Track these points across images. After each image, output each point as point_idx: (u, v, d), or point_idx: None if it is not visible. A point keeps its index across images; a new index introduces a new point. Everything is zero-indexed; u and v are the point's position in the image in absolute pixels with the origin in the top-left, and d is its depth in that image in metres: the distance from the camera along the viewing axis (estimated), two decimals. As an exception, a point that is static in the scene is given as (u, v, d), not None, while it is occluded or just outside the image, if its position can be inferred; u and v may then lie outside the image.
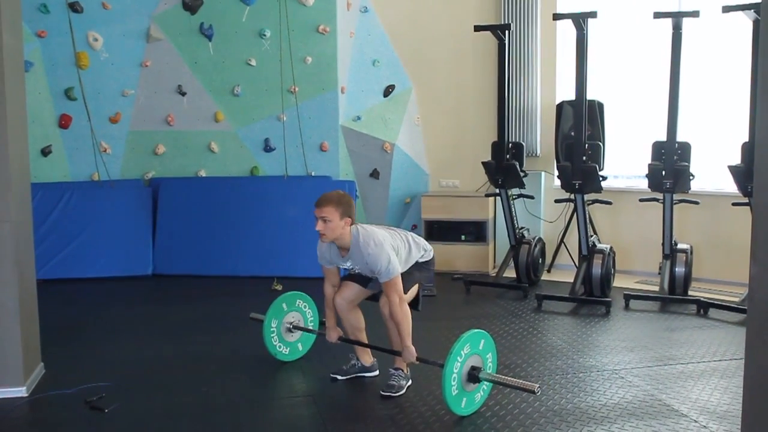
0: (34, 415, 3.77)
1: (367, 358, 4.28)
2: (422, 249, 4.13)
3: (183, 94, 7.30)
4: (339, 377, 4.21)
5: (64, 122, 7.14)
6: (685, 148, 5.92)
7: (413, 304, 4.09)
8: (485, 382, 3.74)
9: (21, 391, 3.94)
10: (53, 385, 4.10)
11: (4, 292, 3.89)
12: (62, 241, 6.94)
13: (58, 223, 6.97)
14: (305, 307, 4.64)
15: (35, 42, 6.94)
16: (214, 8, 7.18)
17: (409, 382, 4.05)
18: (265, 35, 7.15)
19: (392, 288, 3.83)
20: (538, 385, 3.55)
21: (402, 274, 3.91)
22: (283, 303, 4.54)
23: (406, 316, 3.87)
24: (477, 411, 3.71)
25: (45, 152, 7.11)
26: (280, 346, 4.52)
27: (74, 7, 6.97)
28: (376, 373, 4.29)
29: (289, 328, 4.55)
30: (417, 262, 4.10)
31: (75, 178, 7.26)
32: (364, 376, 4.26)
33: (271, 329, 4.49)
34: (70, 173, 7.25)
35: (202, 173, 7.42)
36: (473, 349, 3.67)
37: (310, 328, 4.62)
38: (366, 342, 4.24)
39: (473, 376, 3.64)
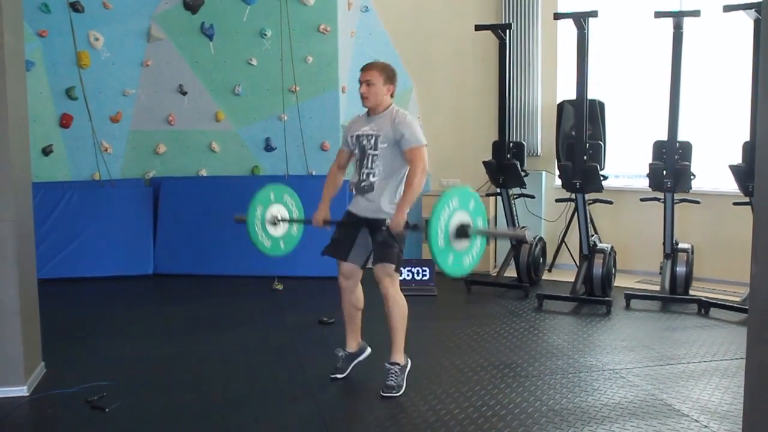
0: (35, 414, 3.77)
1: (353, 344, 4.26)
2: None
3: (184, 93, 7.30)
4: (339, 376, 4.21)
5: (65, 122, 7.15)
6: (686, 147, 5.92)
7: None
8: (474, 247, 3.60)
9: (22, 390, 3.94)
10: (54, 384, 4.10)
11: (5, 292, 3.89)
12: (63, 241, 6.94)
13: (59, 223, 6.97)
14: (292, 204, 4.47)
15: (36, 41, 6.94)
16: (215, 8, 7.18)
17: (408, 368, 4.04)
18: (266, 35, 7.16)
19: (417, 154, 3.81)
20: (528, 232, 3.45)
21: (392, 237, 3.86)
22: (270, 192, 4.34)
23: (420, 184, 3.80)
24: (475, 407, 3.71)
25: (46, 152, 7.12)
26: (261, 236, 4.32)
27: (75, 7, 6.98)
28: (368, 351, 4.29)
29: (273, 220, 4.35)
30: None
31: (76, 177, 7.27)
32: (359, 361, 4.26)
33: (255, 215, 4.26)
34: (71, 173, 7.26)
35: (203, 173, 7.42)
36: (462, 205, 3.53)
37: (295, 218, 4.44)
38: (359, 324, 4.22)
39: (462, 231, 3.50)
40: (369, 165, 3.93)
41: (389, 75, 3.97)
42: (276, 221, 4.35)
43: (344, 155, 4.16)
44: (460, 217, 3.52)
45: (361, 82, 3.94)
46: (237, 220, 4.38)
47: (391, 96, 4.01)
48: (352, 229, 4.05)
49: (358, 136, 3.99)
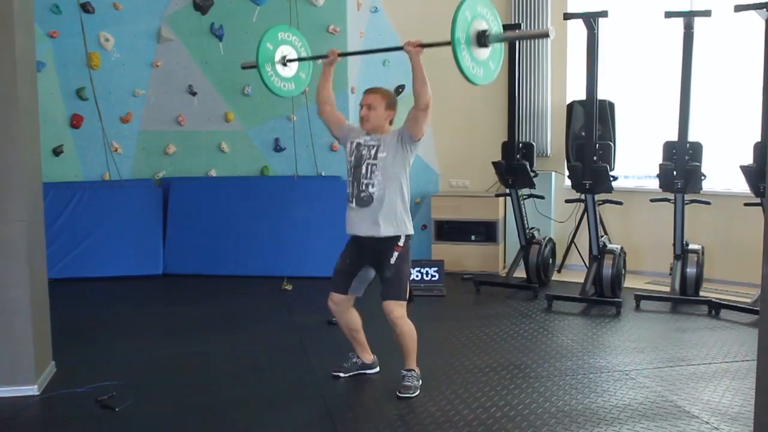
0: (45, 413, 3.79)
1: (367, 355, 4.28)
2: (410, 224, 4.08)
3: (193, 94, 7.32)
4: (341, 375, 4.22)
5: (75, 122, 7.18)
6: (697, 148, 5.89)
7: (410, 298, 4.07)
8: (496, 53, 3.61)
9: (33, 390, 3.96)
10: (64, 383, 4.12)
11: (16, 291, 3.91)
12: (73, 241, 6.97)
13: (70, 223, 7.00)
14: (290, 36, 4.44)
15: (47, 42, 6.98)
16: (224, 8, 7.20)
17: (420, 382, 4.05)
18: (275, 35, 7.16)
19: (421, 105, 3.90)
20: (552, 27, 3.46)
21: (396, 273, 3.90)
22: (267, 43, 4.28)
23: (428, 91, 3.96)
24: (485, 408, 3.70)
25: (56, 152, 7.15)
26: (284, 85, 4.38)
27: (86, 8, 7.01)
28: (377, 369, 4.31)
29: (283, 63, 4.34)
30: (406, 249, 4.00)
31: (86, 177, 7.30)
32: (365, 373, 4.27)
33: (268, 72, 4.28)
34: (81, 173, 7.29)
35: (213, 173, 7.44)
36: (474, 14, 3.53)
37: (304, 55, 4.44)
38: (364, 341, 4.23)
39: (481, 39, 3.50)
40: (368, 175, 3.91)
41: (391, 102, 3.99)
42: (286, 63, 4.36)
43: (337, 113, 4.22)
44: (478, 26, 3.52)
45: (362, 105, 3.95)
46: (244, 66, 4.40)
47: (390, 123, 4.01)
48: (356, 263, 4.04)
49: (358, 144, 3.97)
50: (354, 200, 3.96)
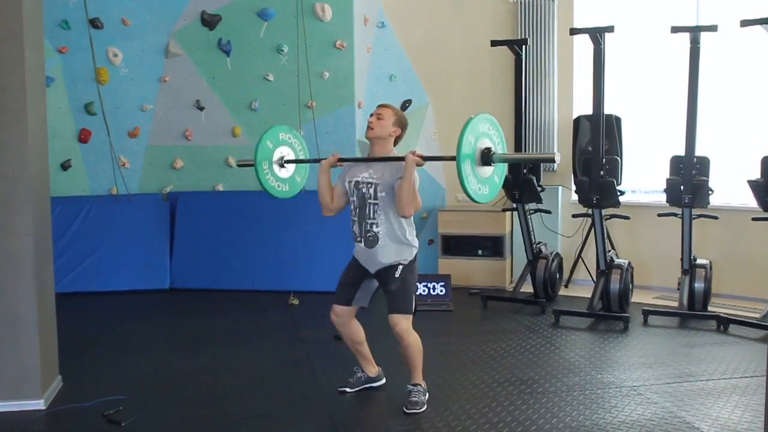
0: (51, 427, 3.79)
1: (371, 368, 4.27)
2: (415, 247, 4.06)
3: (201, 108, 7.35)
4: (347, 390, 4.21)
5: (83, 136, 7.22)
6: (704, 162, 5.88)
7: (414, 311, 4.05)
8: (497, 173, 3.61)
9: (39, 404, 3.95)
10: (71, 398, 4.12)
11: (23, 305, 3.92)
12: (81, 255, 6.98)
13: (77, 237, 7.02)
14: (290, 138, 4.45)
15: (56, 57, 7.03)
16: (232, 24, 7.24)
17: (427, 396, 4.03)
18: (282, 50, 7.20)
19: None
20: (557, 153, 3.47)
21: (402, 286, 3.90)
22: (267, 141, 4.30)
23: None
24: (491, 424, 3.68)
25: (65, 166, 7.18)
26: (279, 185, 4.38)
27: (95, 23, 7.06)
28: (383, 381, 4.30)
29: (280, 163, 4.36)
30: (412, 262, 4.00)
31: (94, 192, 7.33)
32: (371, 387, 4.26)
33: (264, 170, 4.29)
34: (89, 187, 7.32)
35: (220, 187, 7.46)
36: (478, 134, 3.53)
37: (302, 158, 4.45)
38: (368, 354, 4.23)
39: (486, 158, 3.51)
40: (371, 215, 3.92)
41: (401, 119, 4.01)
42: (283, 164, 4.37)
43: (338, 197, 4.10)
44: (483, 144, 3.53)
45: (371, 115, 3.98)
46: (241, 164, 4.43)
47: (395, 144, 4.02)
48: (359, 276, 4.05)
49: (357, 183, 3.97)
50: (362, 241, 3.97)
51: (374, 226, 3.91)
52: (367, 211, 3.93)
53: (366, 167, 3.98)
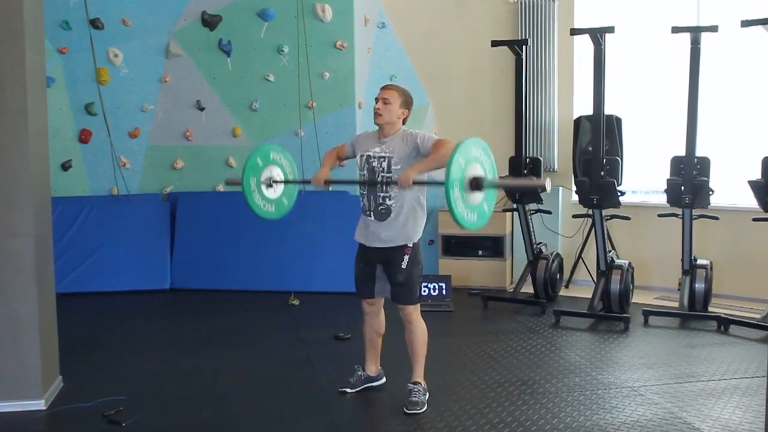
0: (52, 428, 3.79)
1: (373, 367, 4.28)
2: (423, 220, 4.06)
3: (202, 109, 7.35)
4: (348, 390, 4.21)
5: (84, 137, 7.22)
6: (705, 163, 5.88)
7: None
8: (488, 199, 3.54)
9: (39, 404, 3.96)
10: (71, 398, 4.12)
11: (24, 306, 3.92)
12: (81, 255, 6.98)
13: (78, 237, 7.01)
14: (281, 159, 4.38)
15: (57, 58, 7.02)
16: (232, 24, 7.24)
17: (427, 395, 4.03)
18: (283, 51, 7.20)
19: (440, 141, 3.79)
20: (548, 180, 3.40)
21: (408, 277, 3.92)
22: (257, 158, 4.23)
23: (445, 156, 3.56)
24: (492, 424, 3.68)
25: (65, 167, 7.18)
26: (264, 205, 4.30)
27: (95, 24, 7.06)
28: (383, 380, 4.31)
29: (268, 183, 4.29)
30: (417, 247, 4.00)
31: (94, 192, 7.32)
32: (371, 386, 4.27)
33: (251, 188, 4.21)
34: (89, 187, 7.32)
35: (220, 188, 7.46)
36: (469, 159, 3.40)
37: (291, 179, 4.38)
38: (379, 350, 4.25)
39: (476, 184, 3.41)
40: (384, 189, 3.90)
41: (407, 100, 3.99)
42: (272, 183, 4.29)
43: (345, 150, 4.18)
44: (473, 171, 3.42)
45: (377, 99, 3.95)
46: (229, 182, 4.33)
47: (403, 123, 4.00)
48: (369, 267, 4.06)
49: (368, 157, 3.95)
50: (372, 214, 3.95)
51: (387, 199, 3.90)
52: (380, 187, 3.90)
53: (378, 142, 3.97)
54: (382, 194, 3.91)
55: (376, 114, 3.93)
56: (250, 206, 4.25)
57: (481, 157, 3.48)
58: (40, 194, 4.10)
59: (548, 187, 3.40)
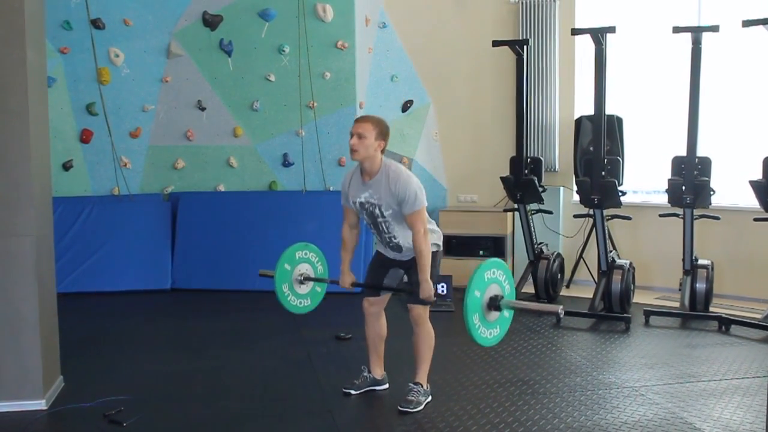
0: (53, 428, 3.79)
1: (378, 371, 4.28)
2: (437, 234, 4.07)
3: (203, 109, 7.36)
4: (352, 392, 4.20)
5: (85, 137, 7.22)
6: (706, 163, 5.87)
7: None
8: (503, 319, 3.62)
9: (40, 404, 3.95)
10: (72, 398, 4.12)
11: (25, 306, 3.92)
12: (82, 255, 6.98)
13: (79, 237, 7.02)
14: (307, 254, 4.46)
15: (58, 58, 7.03)
16: (233, 24, 7.24)
17: (429, 398, 4.03)
18: (284, 51, 7.20)
19: (417, 219, 3.79)
20: (562, 307, 3.45)
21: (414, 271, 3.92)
22: (285, 264, 4.33)
23: (428, 249, 3.80)
24: (492, 424, 3.68)
25: (66, 167, 7.19)
26: (300, 302, 4.40)
27: (96, 24, 7.07)
28: (386, 386, 4.30)
29: (300, 279, 4.38)
30: (435, 260, 4.00)
31: (95, 192, 7.33)
32: (374, 390, 4.27)
33: (285, 293, 4.33)
34: (90, 187, 7.32)
35: (221, 188, 7.46)
36: (493, 277, 3.54)
37: (321, 268, 4.48)
38: (382, 354, 4.24)
39: (494, 303, 3.52)
40: (387, 230, 3.94)
41: (382, 130, 3.87)
42: (303, 280, 4.41)
43: (351, 213, 4.10)
44: (492, 291, 3.53)
45: (352, 134, 3.86)
46: (262, 274, 4.49)
47: (382, 152, 3.92)
48: (383, 269, 4.12)
49: (361, 203, 3.96)
50: (386, 247, 4.04)
51: (393, 238, 3.95)
52: (382, 227, 3.95)
53: (364, 187, 3.92)
54: (387, 235, 3.96)
55: (352, 150, 3.85)
56: (288, 309, 4.40)
57: (496, 275, 3.56)
58: (41, 194, 4.09)
59: (561, 314, 3.48)
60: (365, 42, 7.39)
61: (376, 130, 3.84)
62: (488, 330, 3.55)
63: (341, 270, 4.15)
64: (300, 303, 4.43)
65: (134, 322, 6.04)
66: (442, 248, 4.10)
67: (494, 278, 3.53)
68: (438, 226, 7.21)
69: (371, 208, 3.91)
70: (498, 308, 3.53)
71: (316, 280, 4.45)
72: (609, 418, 3.82)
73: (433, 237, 3.95)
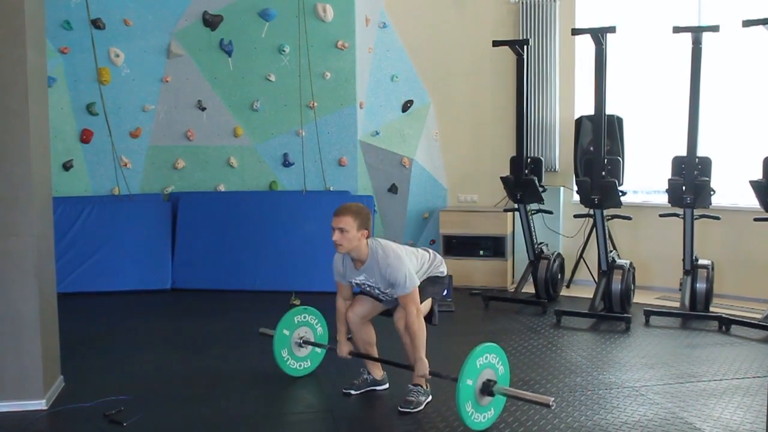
0: (53, 428, 3.79)
1: (377, 371, 4.28)
2: (436, 266, 4.14)
3: (203, 109, 7.36)
4: (352, 392, 4.21)
5: (85, 137, 7.22)
6: (706, 163, 5.87)
7: (428, 319, 4.08)
8: (496, 404, 3.71)
9: (41, 404, 3.95)
10: (72, 398, 4.12)
11: (25, 305, 3.92)
12: (82, 255, 6.98)
13: (79, 237, 7.02)
14: (306, 317, 4.58)
15: (58, 58, 7.03)
16: (233, 24, 7.25)
17: (429, 398, 4.03)
18: (284, 51, 7.21)
19: (410, 300, 3.85)
20: (553, 399, 3.50)
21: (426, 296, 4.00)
22: (283, 330, 4.46)
23: (422, 329, 3.88)
24: (493, 425, 3.68)
25: (66, 167, 7.19)
26: (290, 361, 4.49)
27: (97, 24, 7.07)
28: (386, 386, 4.31)
29: (299, 342, 4.50)
30: (430, 276, 4.10)
31: (96, 192, 7.33)
32: (375, 390, 4.27)
33: (284, 358, 4.46)
34: (91, 187, 7.33)
35: (221, 188, 7.46)
36: (486, 362, 3.65)
37: (321, 342, 4.58)
38: (377, 356, 4.24)
39: (487, 389, 3.61)
40: (388, 297, 4.01)
41: (363, 219, 3.85)
42: (302, 344, 4.50)
43: (345, 288, 4.14)
44: (486, 375, 3.62)
45: (333, 229, 3.82)
46: (261, 333, 4.60)
47: (367, 237, 3.91)
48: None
49: (358, 284, 4.03)
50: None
51: (388, 296, 4.01)
52: (382, 298, 4.05)
53: (358, 272, 3.97)
54: (382, 297, 4.05)
55: (336, 245, 3.86)
56: (288, 373, 4.48)
57: (488, 360, 3.67)
58: (42, 194, 4.10)
59: (553, 406, 3.51)
60: (365, 42, 7.39)
61: (357, 222, 3.82)
62: (481, 414, 3.64)
63: (338, 340, 4.21)
64: (300, 366, 4.54)
65: (134, 322, 6.04)
66: (446, 273, 4.21)
67: (487, 363, 3.65)
68: (438, 225, 7.29)
69: (369, 289, 4.02)
70: (491, 394, 3.61)
71: (314, 344, 4.54)
72: (609, 418, 3.82)
73: (440, 266, 4.15)
